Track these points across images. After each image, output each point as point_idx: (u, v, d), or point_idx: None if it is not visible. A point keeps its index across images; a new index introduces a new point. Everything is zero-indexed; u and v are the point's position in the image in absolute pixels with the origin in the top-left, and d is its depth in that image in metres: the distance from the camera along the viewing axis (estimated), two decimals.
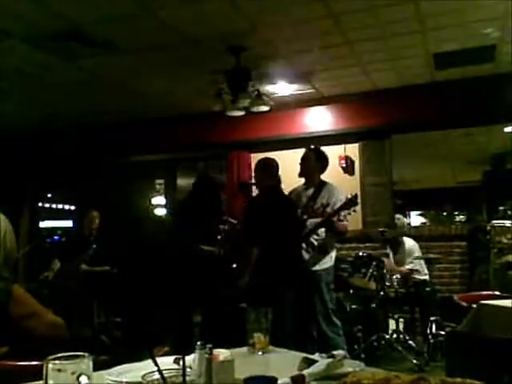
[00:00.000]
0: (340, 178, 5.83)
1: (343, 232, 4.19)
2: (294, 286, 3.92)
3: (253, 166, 6.23)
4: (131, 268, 5.67)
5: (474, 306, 3.10)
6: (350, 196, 4.05)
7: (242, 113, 5.25)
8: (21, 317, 1.80)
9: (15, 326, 1.77)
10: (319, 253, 4.12)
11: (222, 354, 1.37)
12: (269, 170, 4.26)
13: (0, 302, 1.74)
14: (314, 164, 4.31)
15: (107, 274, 5.45)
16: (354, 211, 4.10)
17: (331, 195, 4.18)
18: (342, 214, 4.02)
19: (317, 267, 4.11)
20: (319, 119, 6.38)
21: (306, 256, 4.11)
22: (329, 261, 4.21)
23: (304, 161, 4.35)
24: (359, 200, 5.88)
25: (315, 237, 4.13)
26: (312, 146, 4.52)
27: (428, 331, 4.78)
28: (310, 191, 4.26)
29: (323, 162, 4.36)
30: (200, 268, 4.18)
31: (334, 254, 4.30)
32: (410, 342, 4.84)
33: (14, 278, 1.89)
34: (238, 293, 3.99)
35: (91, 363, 1.02)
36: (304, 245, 4.09)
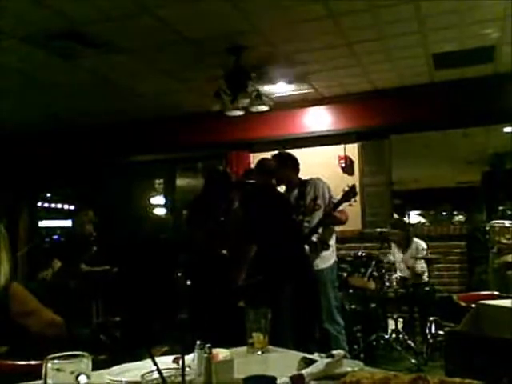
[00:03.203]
0: (339, 178, 5.84)
1: (345, 221, 4.24)
2: (293, 285, 3.91)
3: (252, 165, 6.27)
4: (131, 267, 5.67)
5: (473, 305, 3.11)
6: (347, 188, 4.08)
7: (241, 113, 5.25)
8: (20, 314, 1.80)
9: (14, 323, 1.77)
10: (322, 249, 4.13)
11: (221, 353, 1.37)
12: (267, 169, 4.27)
13: None
14: (283, 169, 4.27)
15: (107, 273, 5.44)
16: (355, 201, 4.15)
17: (316, 188, 4.21)
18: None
19: (321, 265, 4.12)
20: (319, 119, 6.39)
21: (311, 255, 4.10)
22: (331, 257, 4.22)
23: (273, 171, 4.27)
24: (358, 200, 5.91)
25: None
26: (270, 156, 4.45)
27: (427, 331, 4.79)
28: (295, 192, 4.26)
29: (291, 162, 4.33)
30: (204, 268, 4.16)
31: (334, 248, 4.30)
32: (409, 341, 4.84)
33: (13, 276, 1.89)
34: (236, 291, 3.98)
35: (90, 363, 1.02)
36: (307, 245, 4.09)
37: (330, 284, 4.15)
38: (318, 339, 4.15)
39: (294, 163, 4.34)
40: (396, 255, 5.58)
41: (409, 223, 5.77)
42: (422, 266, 5.35)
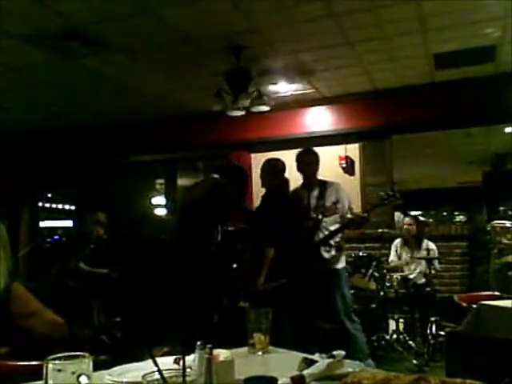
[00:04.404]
0: (340, 178, 5.82)
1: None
2: (304, 286, 3.92)
3: (253, 166, 6.27)
4: (132, 267, 5.67)
5: (474, 306, 3.10)
6: (390, 192, 4.23)
7: (242, 113, 5.25)
8: (21, 315, 1.80)
9: (15, 324, 1.77)
10: (337, 251, 4.17)
11: (222, 354, 1.37)
12: (275, 170, 4.27)
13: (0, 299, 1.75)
14: (316, 165, 4.32)
15: (106, 276, 5.44)
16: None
17: (338, 192, 4.25)
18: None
19: (337, 265, 4.18)
20: (320, 119, 6.38)
21: (327, 255, 4.12)
22: (344, 259, 4.33)
23: (309, 164, 4.31)
24: (359, 200, 5.92)
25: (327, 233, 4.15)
26: (308, 149, 4.47)
27: (428, 331, 4.78)
28: (315, 192, 4.25)
29: (316, 158, 4.37)
30: (205, 267, 4.13)
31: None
32: (410, 342, 4.84)
33: (14, 277, 1.89)
34: (251, 294, 3.97)
35: (91, 363, 1.02)
36: (322, 246, 4.11)
37: (346, 283, 4.23)
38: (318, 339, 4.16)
39: (317, 159, 4.34)
40: (403, 255, 5.51)
41: (423, 221, 5.73)
42: (433, 266, 5.30)
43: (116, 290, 5.21)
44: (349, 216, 4.20)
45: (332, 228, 4.14)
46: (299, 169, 4.32)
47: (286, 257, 3.90)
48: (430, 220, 12.00)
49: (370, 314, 4.95)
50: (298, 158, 4.33)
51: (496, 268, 5.49)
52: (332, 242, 4.15)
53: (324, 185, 4.29)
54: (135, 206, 8.29)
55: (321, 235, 4.13)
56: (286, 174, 4.41)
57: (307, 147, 4.52)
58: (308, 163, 4.30)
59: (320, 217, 4.13)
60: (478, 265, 6.03)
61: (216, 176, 3.89)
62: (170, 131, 7.03)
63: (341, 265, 4.24)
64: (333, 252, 4.13)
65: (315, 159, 4.33)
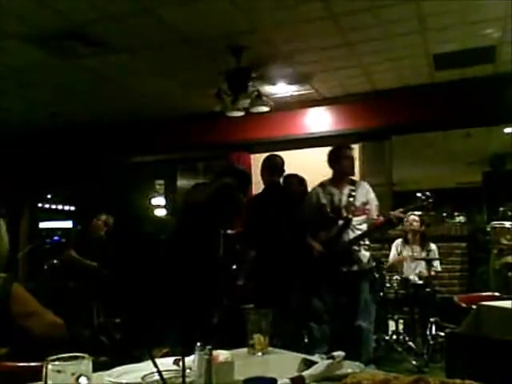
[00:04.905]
0: None
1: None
2: (301, 286, 3.90)
3: (253, 166, 6.27)
4: (130, 268, 5.67)
5: (474, 307, 3.10)
6: (423, 197, 4.27)
7: (241, 113, 5.26)
8: (20, 316, 1.80)
9: (15, 324, 1.77)
10: (365, 251, 4.11)
11: (221, 355, 1.36)
12: (273, 166, 4.25)
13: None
14: (353, 162, 4.24)
15: (95, 271, 5.45)
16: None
17: (367, 193, 4.19)
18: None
19: (368, 266, 4.11)
20: (319, 120, 6.39)
21: (360, 256, 4.04)
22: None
23: (351, 159, 4.21)
24: None
25: (358, 232, 4.06)
26: (346, 144, 4.40)
27: (428, 332, 4.78)
28: (346, 190, 4.14)
29: (352, 153, 4.30)
30: (203, 269, 4.14)
31: None
32: (410, 343, 4.84)
33: (13, 277, 1.89)
34: (238, 294, 3.97)
35: (91, 364, 1.02)
36: (356, 246, 4.04)
37: (371, 284, 4.17)
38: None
39: (353, 156, 4.26)
40: (404, 253, 5.49)
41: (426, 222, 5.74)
42: (433, 267, 5.29)
43: (106, 287, 5.23)
44: (390, 214, 4.08)
45: (359, 227, 4.05)
46: (336, 164, 4.15)
47: (284, 255, 3.88)
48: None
49: None
50: (336, 154, 4.17)
51: (496, 268, 5.47)
52: (361, 242, 4.07)
53: (354, 183, 4.19)
54: (135, 207, 8.29)
55: (351, 234, 4.02)
56: (297, 172, 4.40)
57: (343, 143, 4.44)
58: (347, 158, 4.17)
59: (350, 216, 4.03)
60: (477, 265, 6.02)
61: (225, 179, 3.88)
62: (170, 131, 7.03)
63: (370, 264, 4.16)
64: (363, 251, 4.06)
65: (353, 155, 4.22)
